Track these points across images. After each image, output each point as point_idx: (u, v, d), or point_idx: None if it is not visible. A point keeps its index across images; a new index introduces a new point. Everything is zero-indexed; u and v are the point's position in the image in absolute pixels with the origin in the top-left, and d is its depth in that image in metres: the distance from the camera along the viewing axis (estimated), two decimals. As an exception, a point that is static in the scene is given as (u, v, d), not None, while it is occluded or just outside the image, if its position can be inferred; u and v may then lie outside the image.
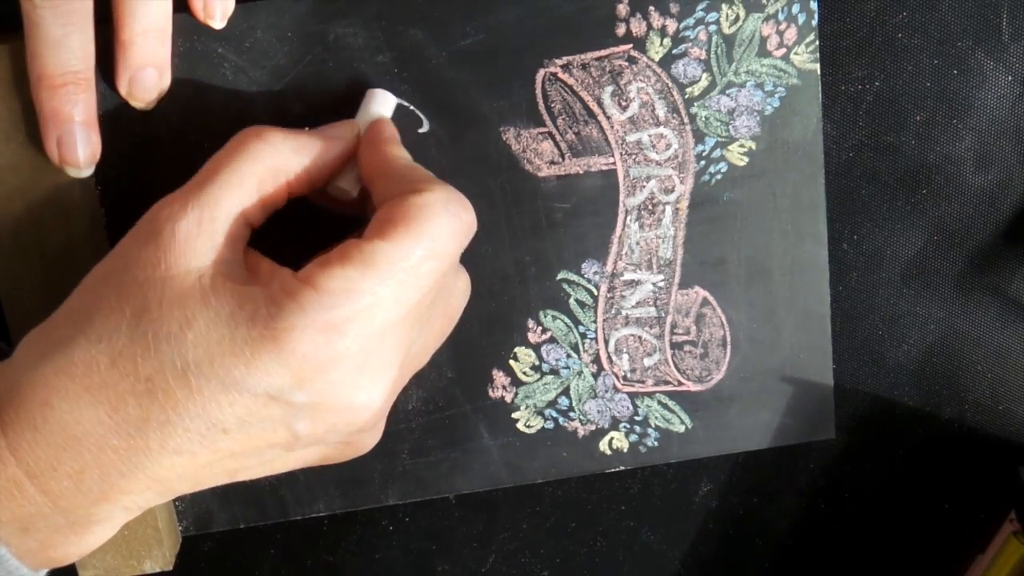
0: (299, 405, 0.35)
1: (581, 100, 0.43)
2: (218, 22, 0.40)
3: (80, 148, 0.39)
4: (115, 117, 0.41)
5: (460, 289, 0.40)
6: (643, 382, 0.46)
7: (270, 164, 0.37)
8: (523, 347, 0.46)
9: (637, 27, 0.42)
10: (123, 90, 0.40)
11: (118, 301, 0.34)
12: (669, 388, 0.47)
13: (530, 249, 0.44)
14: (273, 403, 0.34)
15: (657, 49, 0.43)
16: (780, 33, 0.43)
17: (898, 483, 0.51)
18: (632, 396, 0.47)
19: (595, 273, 0.45)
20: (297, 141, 0.38)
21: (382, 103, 0.41)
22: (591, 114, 0.43)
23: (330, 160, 0.39)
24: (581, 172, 0.44)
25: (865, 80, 0.46)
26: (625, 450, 0.47)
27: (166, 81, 0.41)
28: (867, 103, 0.46)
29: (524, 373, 0.46)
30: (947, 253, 0.48)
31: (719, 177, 0.44)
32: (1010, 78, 0.46)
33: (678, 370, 0.46)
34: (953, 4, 0.45)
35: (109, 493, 0.35)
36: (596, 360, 0.46)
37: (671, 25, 0.43)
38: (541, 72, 0.43)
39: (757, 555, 0.52)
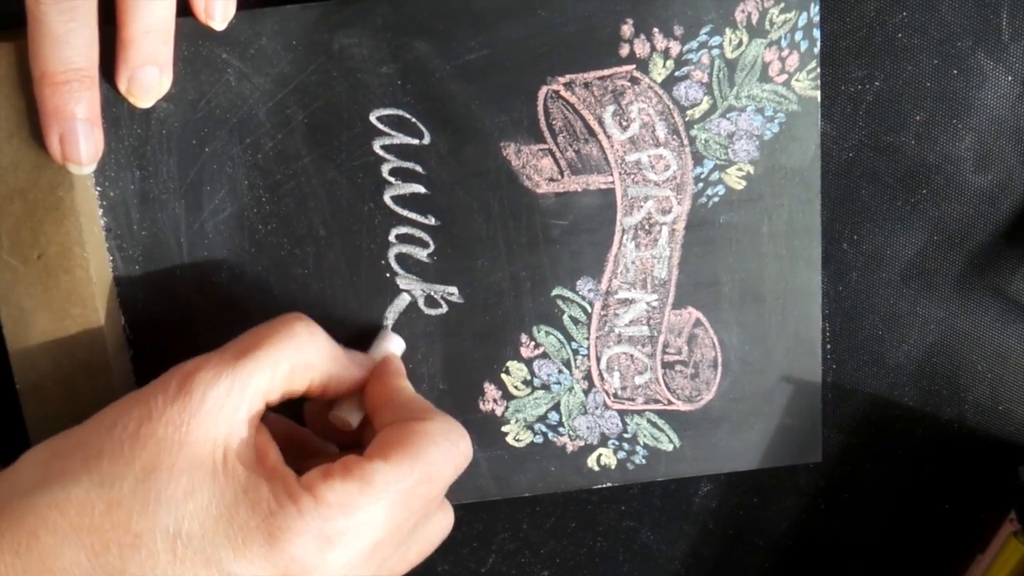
0: None
1: (582, 118, 0.43)
2: (219, 23, 0.40)
3: (82, 145, 0.39)
4: (115, 119, 0.41)
5: (441, 525, 0.41)
6: (633, 400, 0.47)
7: (307, 359, 0.38)
8: (515, 361, 0.46)
9: (641, 48, 0.43)
10: (123, 88, 0.40)
11: (131, 451, 0.35)
12: (659, 407, 0.47)
13: (526, 264, 0.45)
14: None
15: (660, 71, 0.43)
16: (782, 59, 0.43)
17: (898, 483, 0.51)
18: (622, 413, 0.47)
19: (590, 290, 0.45)
20: (335, 350, 0.40)
21: (394, 345, 0.44)
22: (592, 133, 0.43)
23: (349, 381, 0.41)
24: (579, 190, 0.44)
25: (865, 80, 0.46)
26: (613, 467, 0.47)
27: (167, 81, 0.41)
28: (867, 103, 0.46)
29: (515, 387, 0.46)
30: (947, 253, 0.48)
31: (716, 200, 0.45)
32: (1010, 78, 0.46)
33: (668, 389, 0.47)
34: (953, 4, 0.45)
35: None
36: (587, 377, 0.46)
37: (674, 47, 0.43)
38: (543, 89, 0.43)
39: (757, 555, 0.52)
